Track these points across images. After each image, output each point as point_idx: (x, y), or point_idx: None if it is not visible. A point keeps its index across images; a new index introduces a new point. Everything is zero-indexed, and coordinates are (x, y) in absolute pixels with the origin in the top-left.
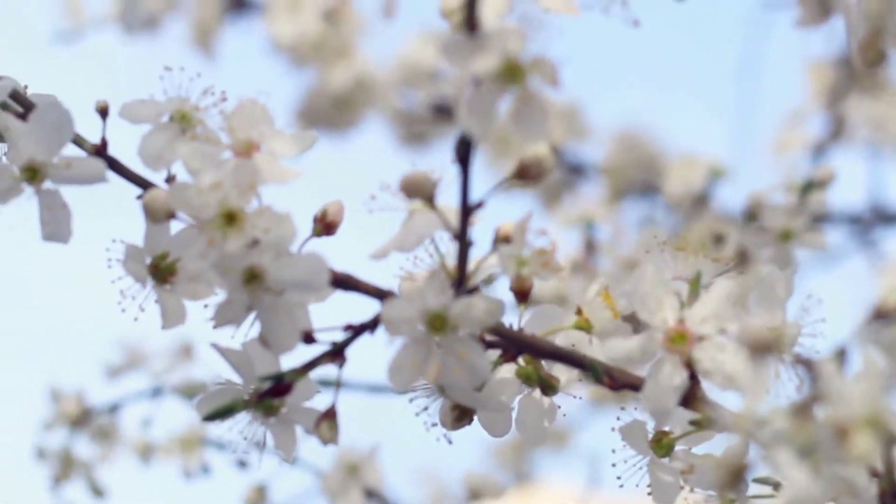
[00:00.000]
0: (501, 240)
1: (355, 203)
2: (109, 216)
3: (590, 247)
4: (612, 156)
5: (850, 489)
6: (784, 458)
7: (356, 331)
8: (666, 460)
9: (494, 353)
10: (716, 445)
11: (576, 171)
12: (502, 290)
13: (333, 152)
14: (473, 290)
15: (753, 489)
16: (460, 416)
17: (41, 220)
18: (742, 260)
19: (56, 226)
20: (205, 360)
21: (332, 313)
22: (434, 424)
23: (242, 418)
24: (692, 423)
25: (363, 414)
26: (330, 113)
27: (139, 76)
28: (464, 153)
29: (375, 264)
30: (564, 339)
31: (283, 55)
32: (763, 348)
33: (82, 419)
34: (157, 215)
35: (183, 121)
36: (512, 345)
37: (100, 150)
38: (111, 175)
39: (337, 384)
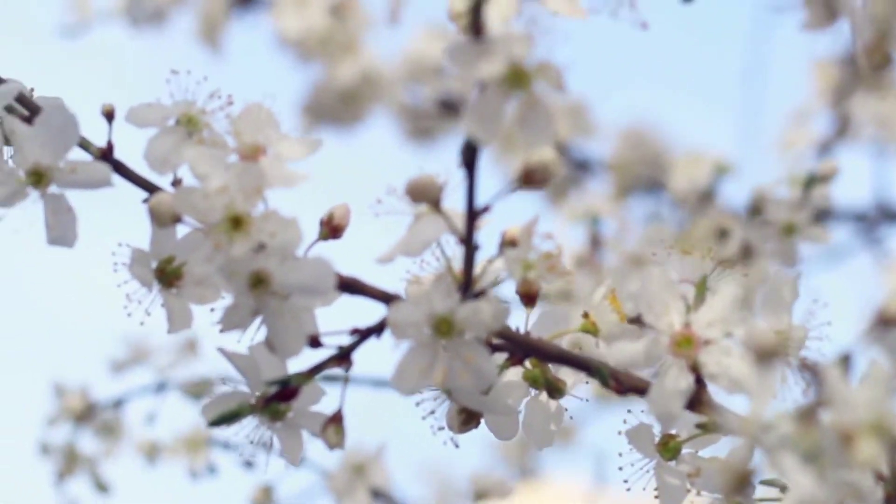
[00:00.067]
0: (507, 243)
1: (361, 200)
2: (115, 217)
3: (595, 242)
4: (618, 152)
5: (855, 493)
6: (789, 463)
7: (362, 335)
8: (673, 463)
9: (501, 357)
10: (723, 448)
11: (582, 168)
12: (507, 292)
13: (339, 147)
14: (480, 294)
15: (760, 491)
16: (467, 419)
17: (46, 224)
18: (746, 255)
19: (61, 230)
20: (209, 356)
21: (338, 317)
22: (441, 428)
23: (249, 423)
24: (698, 426)
25: (368, 409)
26: (336, 108)
27: (145, 70)
28: (469, 158)
29: (382, 268)
30: (571, 339)
31: (289, 50)
32: (769, 353)
33: (86, 414)
34: (163, 219)
35: (189, 124)
36: (518, 348)
37: (105, 154)
38: (117, 178)
39: (345, 379)
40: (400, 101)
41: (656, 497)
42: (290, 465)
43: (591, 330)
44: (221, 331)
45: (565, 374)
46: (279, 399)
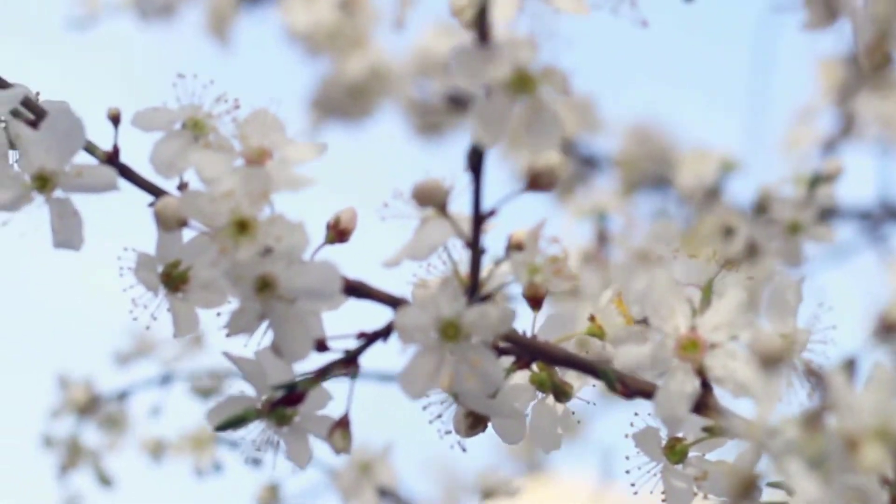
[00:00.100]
0: (514, 247)
1: (369, 194)
2: (121, 221)
3: (602, 238)
4: (625, 149)
5: (861, 498)
6: (795, 469)
7: (369, 339)
8: (679, 467)
9: (507, 360)
10: (730, 451)
11: (589, 164)
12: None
13: (348, 141)
14: (486, 298)
15: (767, 493)
16: (474, 423)
17: (52, 227)
18: (751, 252)
19: (67, 234)
20: (215, 348)
21: (344, 321)
22: (448, 432)
23: (255, 426)
24: (705, 429)
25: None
26: (344, 102)
27: (154, 64)
28: (475, 162)
29: (388, 271)
30: (576, 339)
31: (298, 44)
32: (775, 358)
33: (90, 407)
34: (168, 223)
35: (196, 128)
36: (525, 352)
37: (111, 158)
38: (123, 182)
39: (352, 376)
40: (408, 95)
41: (664, 501)
42: (297, 468)
43: (598, 333)
44: (228, 335)
45: (572, 376)
46: (286, 403)
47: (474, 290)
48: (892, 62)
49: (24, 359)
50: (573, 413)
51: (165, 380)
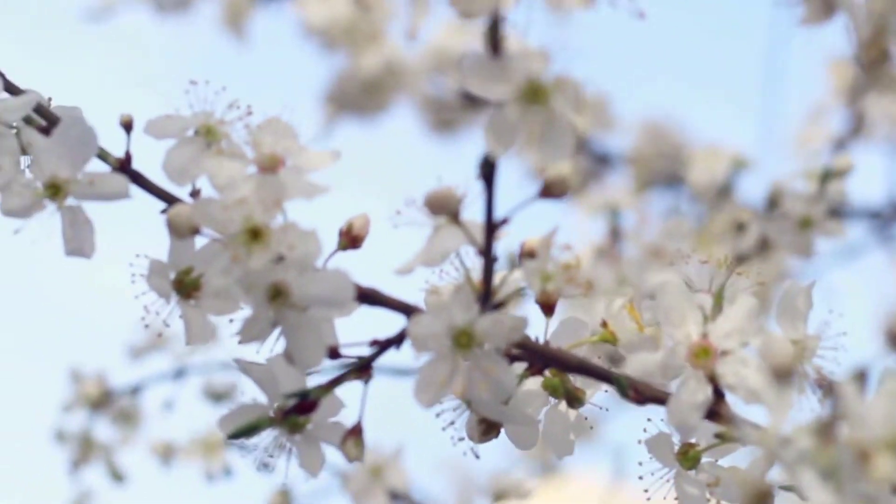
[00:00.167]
0: (526, 255)
1: (383, 192)
2: (134, 228)
3: (615, 235)
4: (638, 146)
5: None
6: (808, 479)
7: (382, 346)
8: (692, 473)
9: (520, 367)
10: (742, 458)
11: (602, 161)
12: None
13: (362, 137)
14: (499, 305)
15: (779, 498)
16: (487, 429)
17: (64, 235)
18: (763, 248)
19: (79, 242)
20: (227, 343)
21: (358, 328)
22: (461, 438)
23: (267, 435)
24: (717, 436)
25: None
26: (360, 97)
27: (170, 57)
28: (488, 171)
29: (401, 278)
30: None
31: (313, 39)
32: (786, 366)
33: (103, 401)
34: (181, 230)
35: (208, 135)
36: (538, 358)
37: (124, 165)
38: (135, 189)
39: (367, 382)
40: (423, 91)
41: None
42: (310, 476)
43: (610, 339)
44: (240, 343)
45: (584, 382)
46: (298, 411)
47: (487, 297)
48: (889, 58)
49: (36, 353)
50: (586, 418)
51: (179, 374)
